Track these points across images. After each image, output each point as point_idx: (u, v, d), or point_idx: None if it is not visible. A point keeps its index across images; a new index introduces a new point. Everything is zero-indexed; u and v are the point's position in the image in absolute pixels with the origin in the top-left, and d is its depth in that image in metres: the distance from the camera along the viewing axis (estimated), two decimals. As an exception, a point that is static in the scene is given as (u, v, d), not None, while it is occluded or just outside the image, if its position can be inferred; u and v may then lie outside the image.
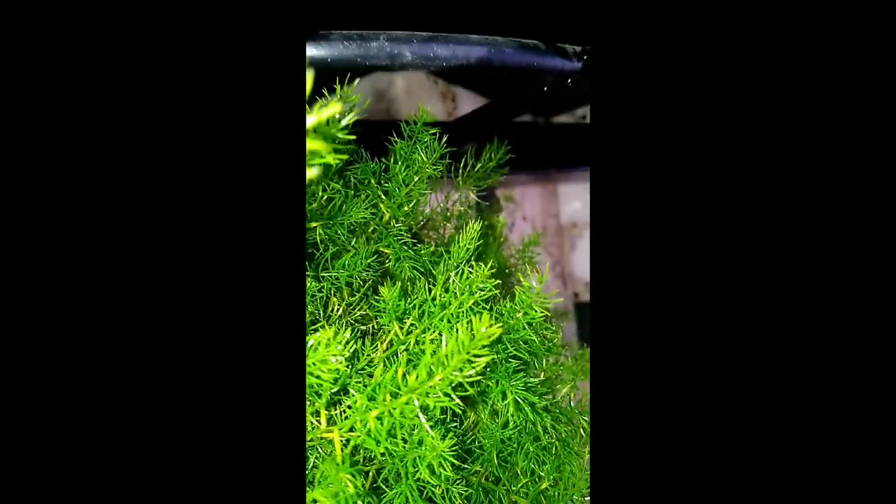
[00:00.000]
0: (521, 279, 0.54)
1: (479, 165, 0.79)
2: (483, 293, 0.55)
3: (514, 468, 0.67)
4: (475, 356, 0.43)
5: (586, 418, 0.68)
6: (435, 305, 0.55)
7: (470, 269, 0.56)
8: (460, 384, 0.43)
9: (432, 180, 0.79)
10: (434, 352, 0.44)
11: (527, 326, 0.55)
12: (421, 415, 0.45)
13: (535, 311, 0.54)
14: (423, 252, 0.75)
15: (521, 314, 0.55)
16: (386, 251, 0.71)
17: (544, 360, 0.67)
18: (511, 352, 0.58)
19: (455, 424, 0.60)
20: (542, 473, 0.64)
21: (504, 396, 0.54)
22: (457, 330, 0.44)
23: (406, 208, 0.73)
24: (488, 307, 0.57)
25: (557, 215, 1.86)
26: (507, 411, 0.55)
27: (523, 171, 1.12)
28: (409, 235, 0.83)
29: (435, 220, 0.93)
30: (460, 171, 0.80)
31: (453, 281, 0.56)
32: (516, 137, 1.06)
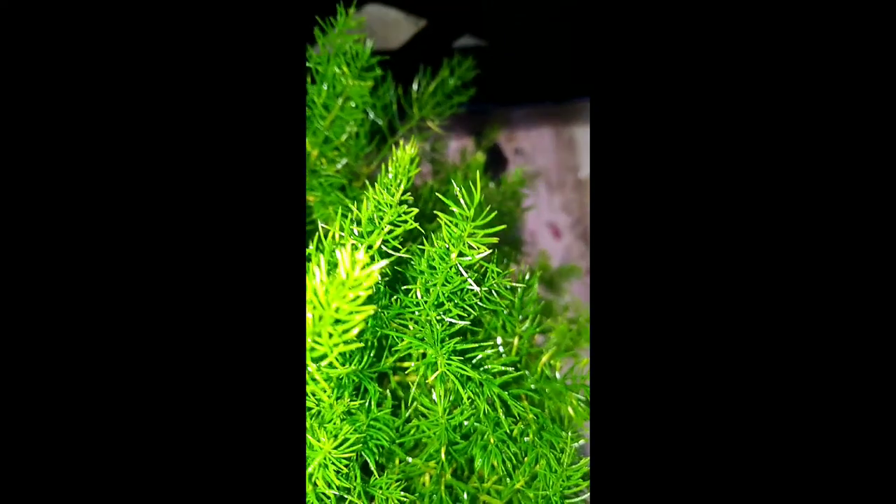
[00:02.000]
0: (447, 202, 0.38)
1: (433, 84, 0.63)
2: (395, 230, 0.39)
3: (486, 461, 0.52)
4: (341, 319, 0.28)
5: (578, 395, 0.52)
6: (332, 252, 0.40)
7: (383, 203, 0.41)
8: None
9: (376, 108, 0.63)
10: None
11: (463, 271, 0.40)
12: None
13: (472, 251, 0.39)
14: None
15: (454, 255, 0.39)
16: (310, 197, 0.56)
17: (517, 322, 0.52)
18: (451, 311, 0.42)
19: (388, 410, 0.46)
20: (514, 467, 0.49)
21: (433, 370, 0.39)
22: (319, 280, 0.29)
23: (337, 142, 0.58)
24: (410, 252, 0.42)
25: (576, 168, 1.68)
26: (440, 390, 0.40)
27: (520, 104, 0.94)
28: (360, 182, 0.68)
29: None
30: (412, 94, 0.64)
31: (358, 219, 0.41)
32: (506, 65, 0.88)
